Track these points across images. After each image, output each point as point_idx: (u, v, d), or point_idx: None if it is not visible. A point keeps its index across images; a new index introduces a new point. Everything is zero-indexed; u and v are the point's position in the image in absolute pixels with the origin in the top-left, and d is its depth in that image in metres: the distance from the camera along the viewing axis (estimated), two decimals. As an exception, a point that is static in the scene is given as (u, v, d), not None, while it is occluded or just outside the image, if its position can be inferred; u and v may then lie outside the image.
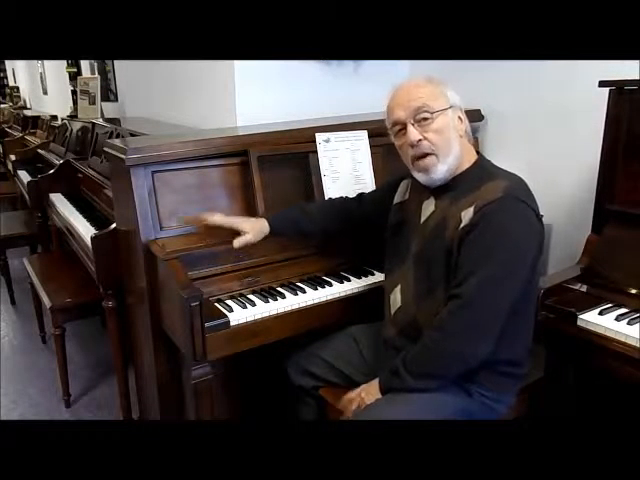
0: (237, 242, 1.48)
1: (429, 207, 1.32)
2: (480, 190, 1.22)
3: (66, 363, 2.30)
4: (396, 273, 1.38)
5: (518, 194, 1.20)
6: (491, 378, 1.25)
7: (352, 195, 1.66)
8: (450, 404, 1.23)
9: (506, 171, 1.29)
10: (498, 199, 1.18)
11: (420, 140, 1.23)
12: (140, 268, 1.58)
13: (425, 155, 1.25)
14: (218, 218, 1.51)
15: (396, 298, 1.36)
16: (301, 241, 1.64)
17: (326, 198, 1.72)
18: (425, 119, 1.23)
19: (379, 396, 1.26)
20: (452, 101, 1.26)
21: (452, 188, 1.28)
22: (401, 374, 1.22)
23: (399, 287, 1.36)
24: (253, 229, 1.51)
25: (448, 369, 1.22)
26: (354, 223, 1.59)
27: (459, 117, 1.28)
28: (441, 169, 1.25)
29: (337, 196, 1.69)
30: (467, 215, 1.20)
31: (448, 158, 1.24)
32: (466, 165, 1.28)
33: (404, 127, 1.25)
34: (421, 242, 1.32)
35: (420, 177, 1.29)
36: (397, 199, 1.46)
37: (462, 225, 1.20)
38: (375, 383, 1.29)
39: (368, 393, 1.28)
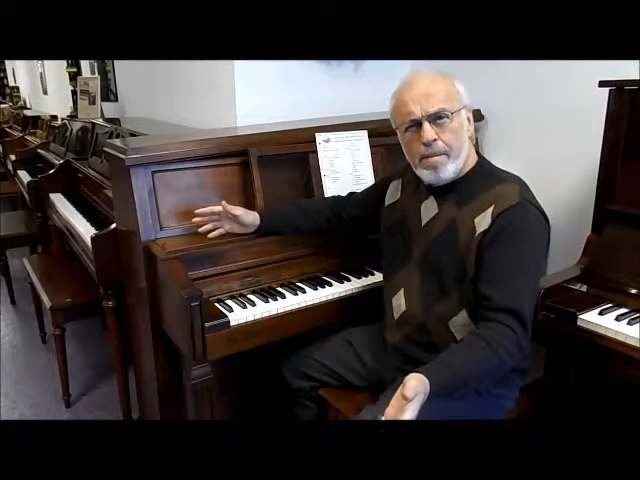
0: (225, 203, 1.53)
1: (431, 209, 1.30)
2: (489, 194, 1.21)
3: (66, 363, 2.30)
4: (397, 277, 1.36)
5: (531, 199, 1.20)
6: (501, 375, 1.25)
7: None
8: (458, 404, 1.22)
9: (507, 172, 1.28)
10: (516, 205, 1.17)
11: (435, 140, 1.20)
12: (140, 268, 1.58)
13: (436, 154, 1.22)
14: (208, 208, 1.55)
15: (400, 303, 1.34)
16: (300, 241, 1.64)
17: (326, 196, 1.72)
18: (441, 118, 1.20)
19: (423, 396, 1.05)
20: (465, 101, 1.24)
21: (455, 190, 1.26)
22: (459, 374, 1.10)
23: (402, 291, 1.34)
24: (244, 211, 1.56)
25: (486, 376, 1.17)
26: (344, 223, 1.58)
27: (468, 118, 1.26)
28: (450, 169, 1.23)
29: (336, 195, 1.69)
30: (483, 221, 1.19)
31: (458, 159, 1.23)
32: (469, 167, 1.27)
33: (417, 123, 1.21)
34: (425, 245, 1.30)
35: (426, 175, 1.26)
36: (388, 201, 1.45)
37: (478, 232, 1.19)
38: (422, 381, 1.04)
39: (418, 385, 1.02)
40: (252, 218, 1.57)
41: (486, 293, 1.16)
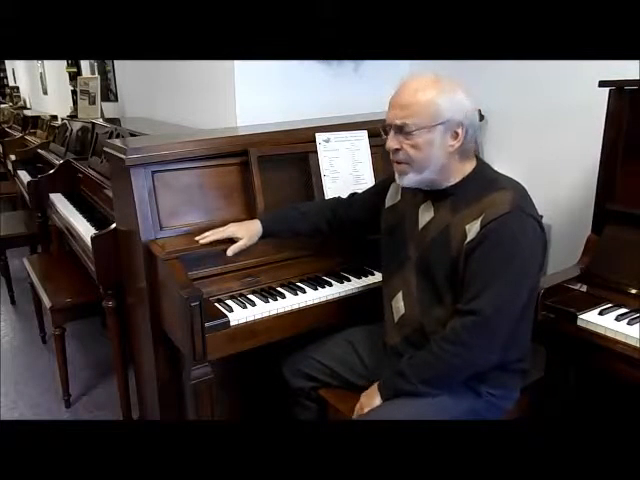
0: (231, 250, 1.52)
1: (427, 212, 1.30)
2: (484, 201, 1.20)
3: (66, 363, 2.30)
4: (395, 279, 1.37)
5: (524, 207, 1.18)
6: (499, 376, 1.25)
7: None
8: (458, 405, 1.23)
9: (506, 177, 1.27)
10: (506, 214, 1.16)
11: (397, 149, 1.22)
12: (140, 268, 1.58)
13: (399, 162, 1.24)
14: (212, 237, 1.53)
15: (399, 305, 1.35)
16: (300, 241, 1.64)
17: (326, 198, 1.72)
18: (408, 133, 1.19)
19: (378, 401, 1.27)
20: (446, 116, 1.17)
21: (451, 194, 1.26)
22: (407, 376, 1.23)
23: (401, 294, 1.35)
24: (247, 232, 1.54)
25: (458, 377, 1.23)
26: (344, 224, 1.58)
27: (456, 132, 1.19)
28: (412, 178, 1.24)
29: (336, 196, 1.69)
30: (473, 229, 1.18)
31: (422, 173, 1.23)
32: (460, 176, 1.25)
33: (389, 129, 1.23)
34: (421, 249, 1.30)
35: (396, 178, 1.29)
36: (389, 202, 1.45)
37: (468, 239, 1.19)
38: (373, 388, 1.30)
39: (368, 398, 1.30)
40: (255, 238, 1.56)
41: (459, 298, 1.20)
